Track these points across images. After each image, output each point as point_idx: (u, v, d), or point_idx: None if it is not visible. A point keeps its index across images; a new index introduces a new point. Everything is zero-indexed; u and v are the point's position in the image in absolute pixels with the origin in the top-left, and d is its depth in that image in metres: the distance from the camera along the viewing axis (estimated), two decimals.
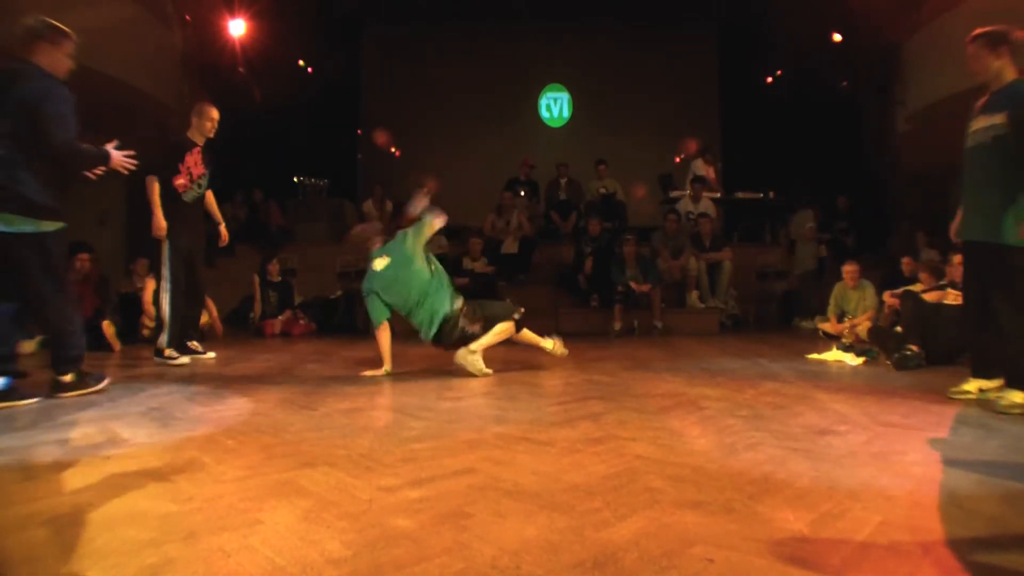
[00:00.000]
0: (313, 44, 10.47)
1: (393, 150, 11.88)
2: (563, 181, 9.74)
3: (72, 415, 2.90)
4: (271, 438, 2.47)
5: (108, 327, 5.77)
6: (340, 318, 7.75)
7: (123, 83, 7.38)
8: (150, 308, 6.24)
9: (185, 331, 4.97)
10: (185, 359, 4.73)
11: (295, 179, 10.59)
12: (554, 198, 9.72)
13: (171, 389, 3.62)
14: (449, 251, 8.01)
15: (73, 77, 3.45)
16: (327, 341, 6.59)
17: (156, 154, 4.71)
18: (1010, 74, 3.23)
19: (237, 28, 9.15)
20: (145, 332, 6.19)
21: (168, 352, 4.68)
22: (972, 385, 3.35)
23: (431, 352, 4.49)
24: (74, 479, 1.95)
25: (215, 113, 4.92)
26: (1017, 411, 2.94)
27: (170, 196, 4.69)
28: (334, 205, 10.08)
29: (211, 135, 4.94)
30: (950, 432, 2.64)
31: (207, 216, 5.15)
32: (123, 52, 7.33)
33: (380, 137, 11.31)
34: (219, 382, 3.89)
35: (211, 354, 5.06)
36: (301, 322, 7.34)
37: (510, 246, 8.51)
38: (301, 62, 10.64)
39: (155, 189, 4.61)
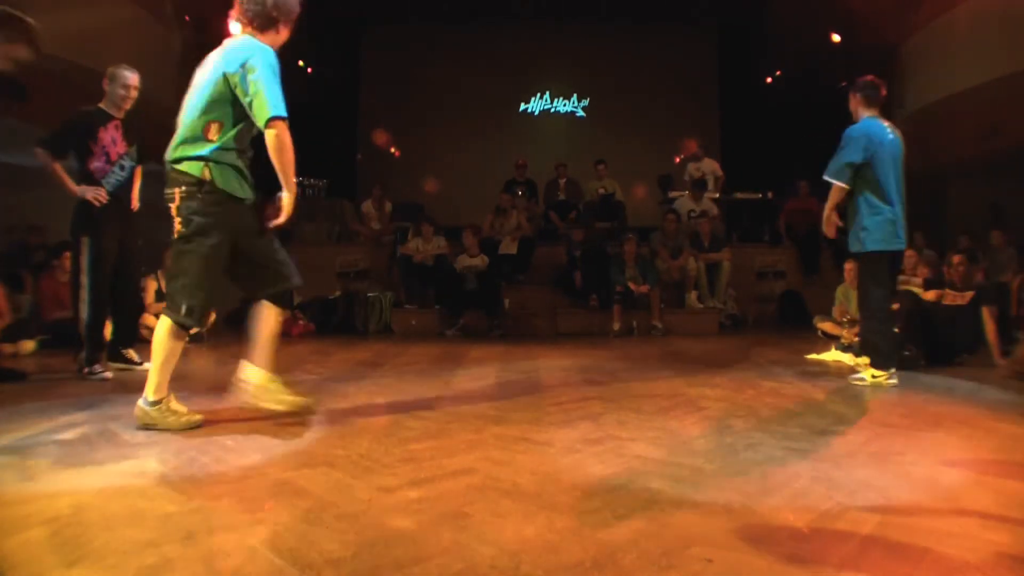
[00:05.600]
0: (312, 44, 10.46)
1: (392, 150, 11.88)
2: (562, 181, 9.73)
3: (72, 415, 2.90)
4: (271, 438, 2.47)
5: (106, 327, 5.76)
6: (339, 318, 7.75)
7: None
8: (151, 309, 6.24)
9: (117, 340, 4.30)
10: (108, 373, 3.96)
11: (294, 179, 10.56)
12: (553, 198, 9.72)
13: (170, 390, 3.61)
14: (449, 251, 8.00)
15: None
16: (326, 341, 6.58)
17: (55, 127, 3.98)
18: (861, 114, 4.07)
19: (237, 28, 9.14)
20: (145, 332, 6.18)
21: (88, 369, 3.90)
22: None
23: (431, 352, 4.50)
24: (74, 479, 1.95)
25: (132, 78, 4.01)
26: (858, 382, 3.75)
27: (86, 183, 3.89)
28: (333, 205, 10.07)
29: (128, 105, 4.05)
30: (949, 432, 2.64)
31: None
32: (123, 52, 7.31)
33: (379, 137, 11.30)
34: (218, 382, 3.88)
35: (147, 364, 4.10)
36: (300, 322, 7.33)
37: (509, 246, 8.51)
38: (300, 62, 10.64)
39: (51, 163, 3.82)
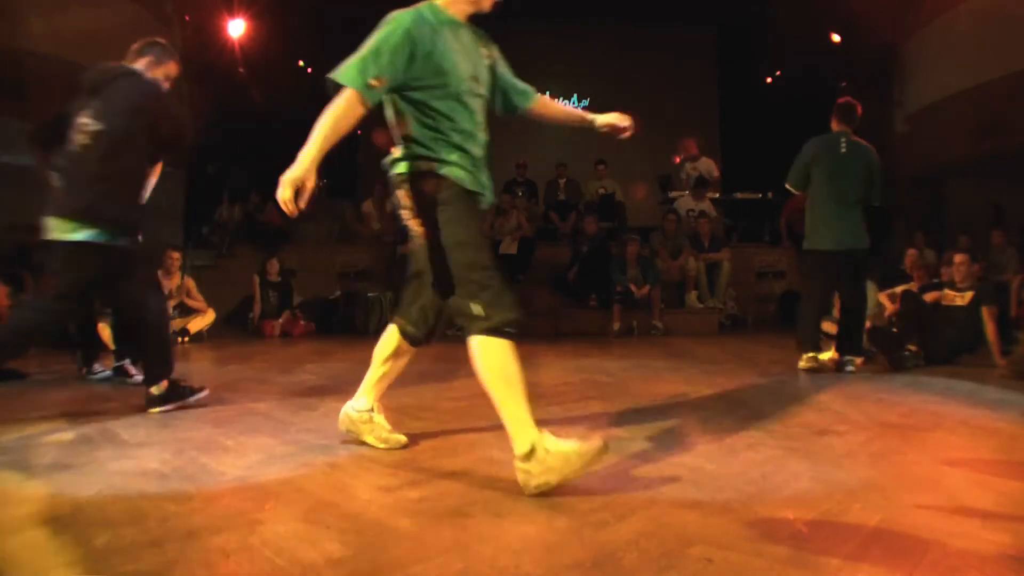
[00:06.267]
0: (312, 44, 10.46)
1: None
2: (562, 181, 9.73)
3: (72, 415, 2.90)
4: (271, 438, 2.47)
5: (103, 329, 5.74)
6: (339, 318, 7.75)
7: None
8: None
9: (122, 354, 4.05)
10: (110, 371, 3.94)
11: None
12: (553, 198, 9.72)
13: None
14: None
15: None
16: (326, 341, 6.59)
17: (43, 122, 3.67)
18: (834, 129, 4.46)
19: (236, 28, 9.15)
20: None
21: (87, 368, 3.88)
22: (830, 355, 4.43)
23: (431, 352, 4.48)
24: (74, 479, 1.95)
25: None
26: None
27: None
28: (333, 205, 10.08)
29: None
30: (949, 432, 2.64)
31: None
32: (123, 52, 7.33)
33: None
34: (219, 382, 3.88)
35: (139, 377, 3.78)
36: (300, 322, 7.33)
37: (509, 246, 8.51)
38: (300, 62, 10.64)
39: (40, 155, 3.45)
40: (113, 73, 3.09)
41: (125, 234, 2.97)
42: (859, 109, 4.44)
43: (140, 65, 3.17)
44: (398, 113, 2.17)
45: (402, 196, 2.10)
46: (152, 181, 3.97)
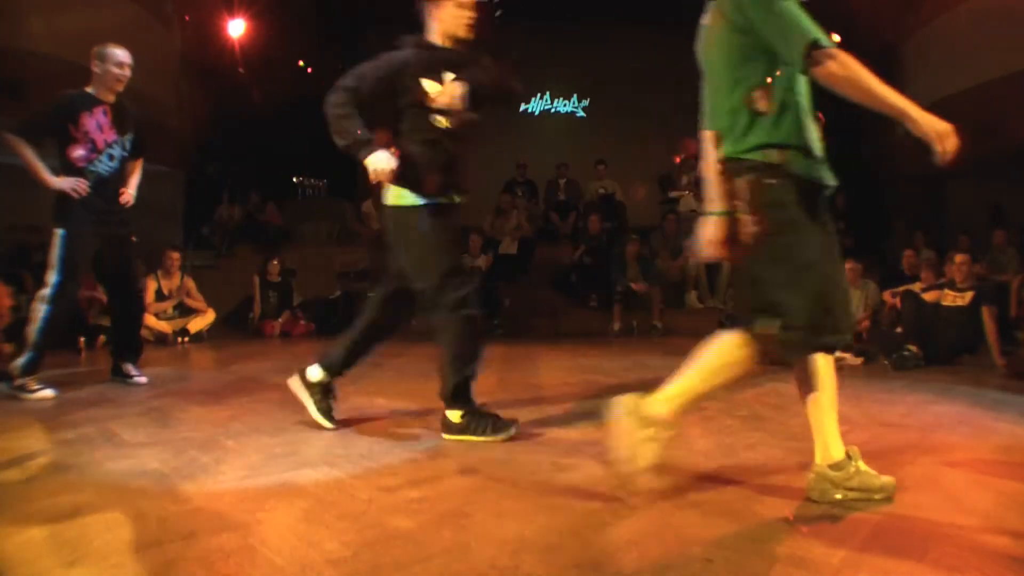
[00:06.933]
0: (312, 44, 10.47)
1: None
2: (562, 181, 9.73)
3: (72, 415, 2.90)
4: (271, 438, 2.47)
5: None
6: (340, 318, 7.74)
7: None
8: (150, 309, 6.24)
9: (120, 353, 3.85)
10: (48, 392, 3.30)
11: (294, 179, 10.57)
12: (553, 198, 9.72)
13: (170, 390, 3.62)
14: None
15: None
16: (327, 341, 6.58)
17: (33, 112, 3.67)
18: None
19: (236, 28, 9.15)
20: (144, 332, 6.18)
21: (20, 380, 3.26)
22: None
23: (431, 352, 4.46)
24: (74, 479, 1.95)
25: (125, 56, 3.59)
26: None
27: (68, 172, 3.48)
28: (333, 205, 10.08)
29: (120, 87, 3.62)
30: (949, 432, 2.64)
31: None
32: None
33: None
34: (219, 382, 3.88)
35: (143, 379, 3.81)
36: (301, 322, 7.33)
37: (509, 246, 8.51)
38: (300, 62, 10.64)
39: (23, 149, 3.40)
40: None
41: None
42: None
43: None
44: (762, 88, 1.82)
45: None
46: (135, 179, 3.85)
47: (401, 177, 2.59)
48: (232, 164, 10.29)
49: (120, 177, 3.70)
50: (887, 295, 5.58)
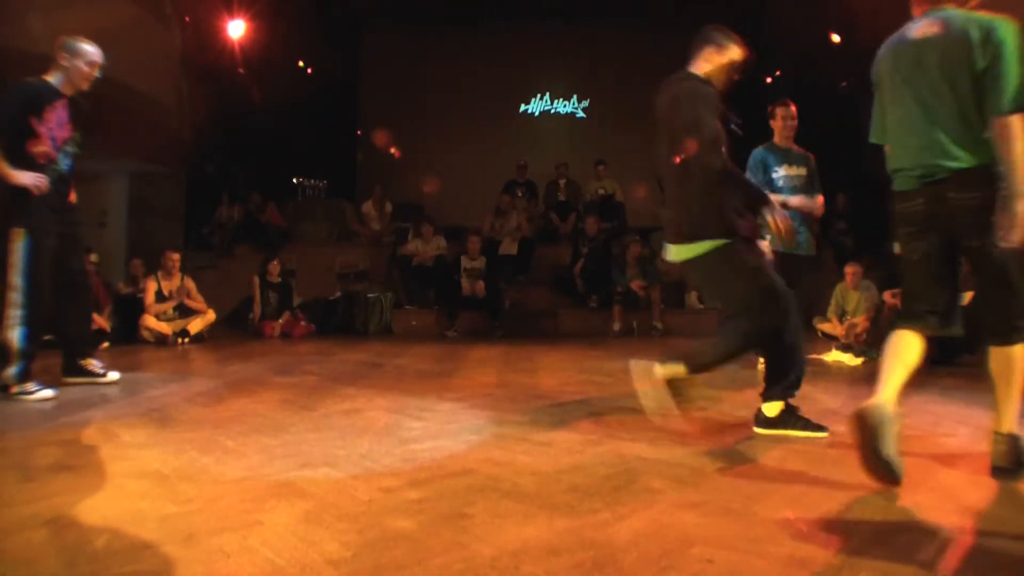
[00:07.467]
0: (312, 44, 10.47)
1: (392, 151, 11.88)
2: (562, 182, 9.74)
3: (72, 416, 2.90)
4: (271, 438, 2.47)
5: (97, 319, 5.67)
6: (340, 319, 7.76)
7: (122, 84, 7.38)
8: (150, 310, 6.25)
9: (73, 351, 3.71)
10: (48, 392, 3.26)
11: (294, 180, 10.58)
12: (553, 199, 9.72)
13: (171, 390, 3.62)
14: (448, 252, 8.01)
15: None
16: (327, 342, 6.59)
17: None
18: None
19: (236, 28, 9.15)
20: (145, 334, 6.19)
21: (17, 388, 3.21)
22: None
23: (431, 353, 4.50)
24: (74, 479, 1.95)
25: (98, 55, 3.46)
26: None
27: (26, 168, 3.25)
28: (333, 206, 10.09)
29: (86, 86, 3.47)
30: (948, 432, 2.64)
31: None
32: (122, 53, 7.33)
33: (380, 138, 11.30)
34: (219, 383, 3.88)
35: (113, 374, 3.77)
36: (301, 323, 7.34)
37: (509, 247, 8.52)
38: (300, 63, 10.65)
39: None
40: None
41: None
42: None
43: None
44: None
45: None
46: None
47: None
48: (232, 164, 10.30)
49: (71, 174, 3.55)
50: (887, 295, 5.59)
